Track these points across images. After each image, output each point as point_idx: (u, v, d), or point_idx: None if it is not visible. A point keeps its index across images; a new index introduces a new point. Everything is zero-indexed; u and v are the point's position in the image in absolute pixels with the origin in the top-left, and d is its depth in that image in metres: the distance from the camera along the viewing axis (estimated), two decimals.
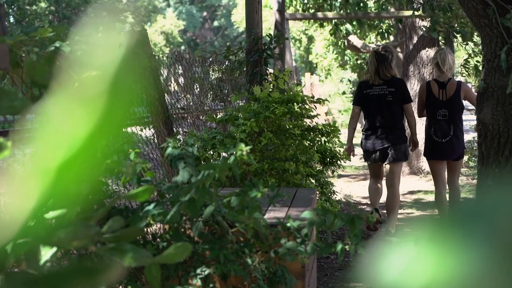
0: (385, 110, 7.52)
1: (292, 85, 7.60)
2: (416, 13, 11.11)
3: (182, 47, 51.00)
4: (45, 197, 0.77)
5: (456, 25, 10.29)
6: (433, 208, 8.92)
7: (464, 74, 11.77)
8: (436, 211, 8.14)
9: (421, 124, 11.68)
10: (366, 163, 8.28)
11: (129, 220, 2.83)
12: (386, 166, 7.81)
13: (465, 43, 10.89)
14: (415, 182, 12.28)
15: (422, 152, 8.37)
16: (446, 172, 7.84)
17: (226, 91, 9.17)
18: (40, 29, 2.71)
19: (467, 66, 10.98)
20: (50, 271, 1.05)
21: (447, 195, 7.85)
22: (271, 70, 9.05)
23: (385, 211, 8.21)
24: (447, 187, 7.87)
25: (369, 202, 9.93)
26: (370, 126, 7.64)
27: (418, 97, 7.96)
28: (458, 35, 10.27)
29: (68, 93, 0.74)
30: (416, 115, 7.95)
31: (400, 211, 9.63)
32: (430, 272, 0.53)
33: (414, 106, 8.54)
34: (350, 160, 8.01)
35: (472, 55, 11.04)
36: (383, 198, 8.24)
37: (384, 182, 8.11)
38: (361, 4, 15.53)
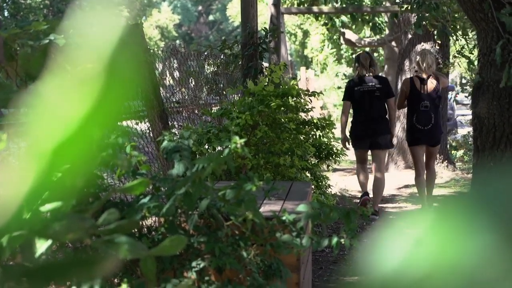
0: (374, 104, 8.72)
1: (287, 79, 7.60)
2: (403, 9, 11.18)
3: (177, 41, 50.94)
4: (40, 188, 0.77)
5: (449, 19, 10.30)
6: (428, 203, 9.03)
7: (458, 63, 11.87)
8: (431, 205, 8.39)
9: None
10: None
11: (125, 213, 2.83)
12: (373, 153, 8.92)
13: (455, 39, 10.89)
14: (410, 176, 12.25)
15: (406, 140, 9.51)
16: (424, 157, 9.12)
17: (221, 85, 9.15)
18: (34, 23, 2.70)
19: (459, 56, 11.03)
20: (45, 263, 1.06)
21: (425, 177, 9.08)
22: (266, 64, 9.04)
23: (381, 205, 9.03)
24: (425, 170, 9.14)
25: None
26: (360, 117, 8.79)
27: (401, 91, 9.17)
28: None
29: (62, 82, 0.74)
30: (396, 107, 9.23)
31: (394, 204, 9.73)
32: (430, 262, 0.53)
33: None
34: (348, 149, 8.77)
35: (466, 48, 11.06)
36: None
37: (369, 169, 9.27)
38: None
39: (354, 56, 28.22)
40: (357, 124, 8.82)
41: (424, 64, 8.81)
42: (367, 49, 24.22)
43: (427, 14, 9.23)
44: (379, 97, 8.72)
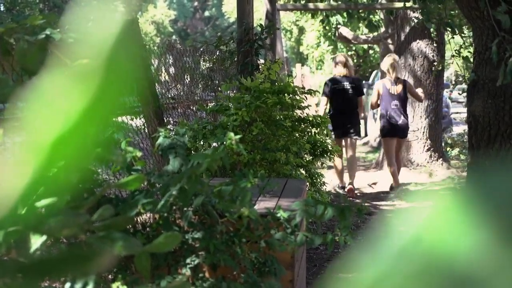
0: (348, 100, 10.58)
1: (283, 76, 7.60)
2: (407, 4, 11.20)
3: (173, 37, 50.89)
4: (36, 184, 0.77)
5: (445, 16, 10.30)
6: (422, 200, 9.12)
7: (456, 62, 12.04)
8: (428, 202, 8.63)
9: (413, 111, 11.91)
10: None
11: (119, 208, 2.83)
12: (346, 141, 10.71)
13: (453, 36, 10.90)
14: (405, 174, 12.29)
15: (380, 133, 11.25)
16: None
17: (217, 81, 9.14)
18: (30, 17, 2.69)
19: (457, 56, 11.07)
20: (40, 258, 1.05)
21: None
22: (262, 61, 9.03)
23: (375, 202, 9.53)
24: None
25: (358, 194, 10.15)
26: (335, 111, 10.60)
27: (374, 93, 10.84)
28: (448, 28, 10.34)
29: (59, 78, 0.73)
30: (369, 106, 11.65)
31: (388, 202, 9.75)
32: (424, 260, 0.53)
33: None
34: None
35: (463, 46, 11.07)
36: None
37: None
38: None
39: (350, 53, 28.27)
40: (332, 117, 10.41)
41: (395, 69, 10.59)
42: (365, 46, 24.20)
43: (430, 8, 9.23)
44: (351, 95, 10.59)
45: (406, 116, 10.69)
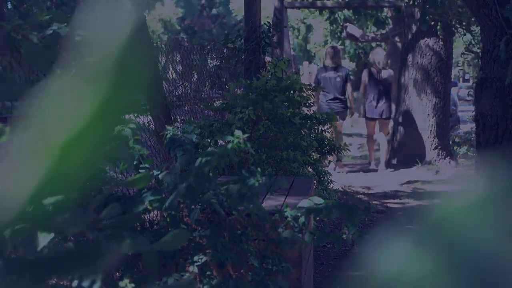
0: (337, 87, 12.32)
1: (290, 74, 7.58)
2: (408, 2, 11.25)
3: (181, 35, 50.89)
4: (43, 182, 0.77)
5: (451, 15, 10.28)
6: (430, 199, 9.10)
7: (463, 62, 12.37)
8: (434, 201, 8.65)
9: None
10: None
11: (127, 207, 2.83)
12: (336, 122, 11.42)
13: (463, 34, 10.87)
14: (413, 172, 12.26)
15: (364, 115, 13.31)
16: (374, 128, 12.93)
17: (224, 79, 9.13)
18: (37, 13, 2.69)
19: (466, 54, 11.02)
20: (47, 256, 1.05)
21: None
22: (268, 59, 9.02)
23: (383, 200, 9.70)
24: (375, 138, 13.19)
25: (366, 192, 10.25)
26: (325, 97, 12.32)
27: (362, 80, 12.75)
28: (454, 27, 10.34)
29: (68, 77, 0.73)
30: (357, 91, 13.83)
31: (397, 200, 9.75)
32: (433, 259, 0.53)
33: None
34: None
35: (473, 43, 11.04)
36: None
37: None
38: None
39: (358, 51, 28.27)
40: (325, 102, 12.30)
41: (377, 60, 12.54)
42: (373, 44, 24.20)
43: (428, 10, 9.22)
44: (340, 82, 12.30)
45: (388, 99, 12.55)
